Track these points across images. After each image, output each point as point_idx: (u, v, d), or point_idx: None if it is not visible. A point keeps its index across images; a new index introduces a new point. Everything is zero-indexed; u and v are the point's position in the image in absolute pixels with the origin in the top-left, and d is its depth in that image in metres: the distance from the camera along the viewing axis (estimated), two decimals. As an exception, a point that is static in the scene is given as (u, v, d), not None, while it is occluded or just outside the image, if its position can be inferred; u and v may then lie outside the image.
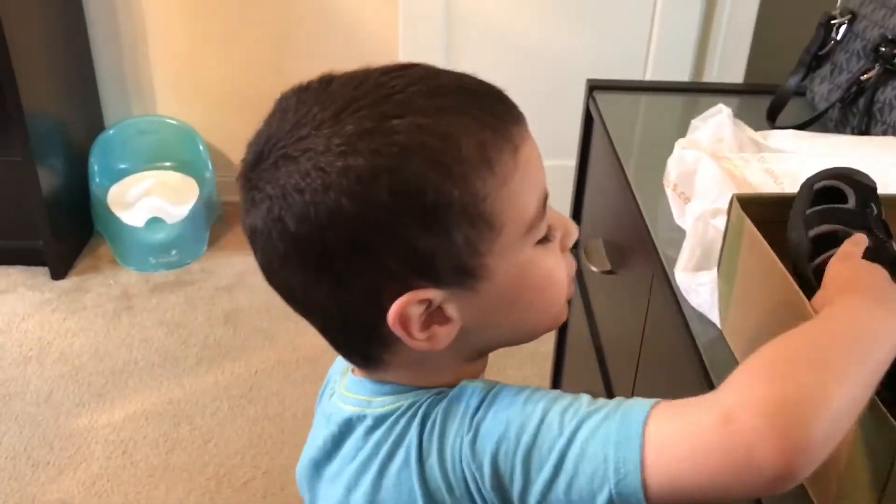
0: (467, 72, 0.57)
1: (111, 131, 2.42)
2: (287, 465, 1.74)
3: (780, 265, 0.69)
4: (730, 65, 2.25)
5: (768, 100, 1.24)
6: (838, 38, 1.20)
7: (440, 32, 2.12)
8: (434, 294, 0.53)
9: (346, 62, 2.33)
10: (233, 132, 2.50)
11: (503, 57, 2.17)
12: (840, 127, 1.17)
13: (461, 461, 0.53)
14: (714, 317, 0.80)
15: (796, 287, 0.66)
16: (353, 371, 0.63)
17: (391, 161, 0.51)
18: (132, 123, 2.45)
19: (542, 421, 0.51)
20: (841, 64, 1.19)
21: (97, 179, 2.36)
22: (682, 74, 2.25)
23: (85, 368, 1.98)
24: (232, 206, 2.50)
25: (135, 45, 2.40)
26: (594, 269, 1.16)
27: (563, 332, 1.54)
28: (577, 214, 1.41)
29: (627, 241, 1.11)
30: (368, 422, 0.59)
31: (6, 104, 2.02)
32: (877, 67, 1.10)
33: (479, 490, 0.52)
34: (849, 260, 0.63)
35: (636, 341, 1.03)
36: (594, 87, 1.32)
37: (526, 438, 0.51)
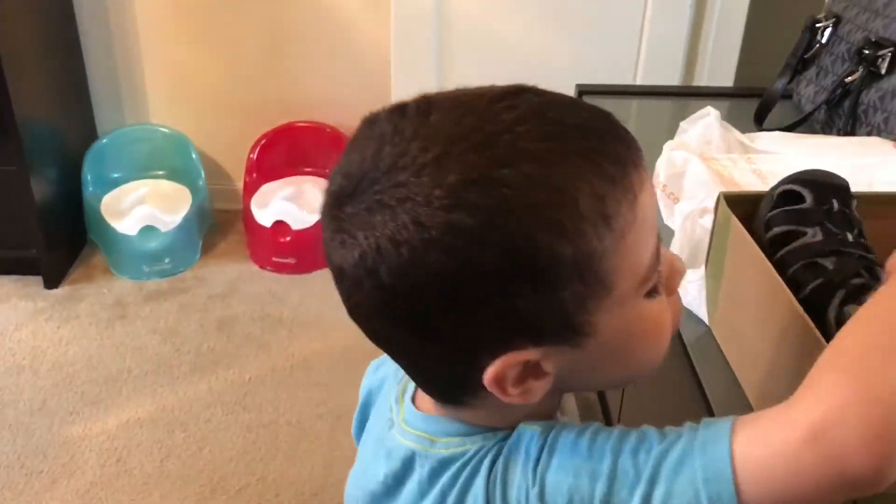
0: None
1: (104, 140, 2.43)
2: (281, 471, 1.74)
3: (767, 262, 0.70)
4: (719, 69, 2.26)
5: (757, 103, 1.26)
6: (823, 41, 1.22)
7: (432, 37, 2.13)
8: (534, 354, 0.50)
9: (338, 68, 2.36)
10: (225, 140, 2.54)
11: (494, 60, 2.18)
12: (826, 128, 1.19)
13: None
14: (702, 314, 0.81)
15: (783, 283, 0.68)
16: (413, 401, 0.60)
17: (500, 219, 0.47)
18: (125, 132, 2.46)
19: (614, 466, 0.49)
20: (826, 66, 1.20)
21: (90, 188, 2.36)
22: (672, 79, 2.26)
23: (79, 377, 1.98)
24: (224, 213, 2.51)
25: (127, 54, 2.41)
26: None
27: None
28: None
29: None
30: (433, 464, 0.56)
31: (-1, 113, 2.02)
32: (861, 70, 1.12)
33: None
34: None
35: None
36: (583, 91, 1.34)
37: (601, 488, 0.48)
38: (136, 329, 2.13)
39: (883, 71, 1.09)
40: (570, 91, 1.35)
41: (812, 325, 0.62)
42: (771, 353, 0.70)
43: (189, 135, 2.43)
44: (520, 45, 2.20)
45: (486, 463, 0.53)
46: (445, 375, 0.54)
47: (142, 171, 2.46)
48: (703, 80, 2.28)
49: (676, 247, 0.86)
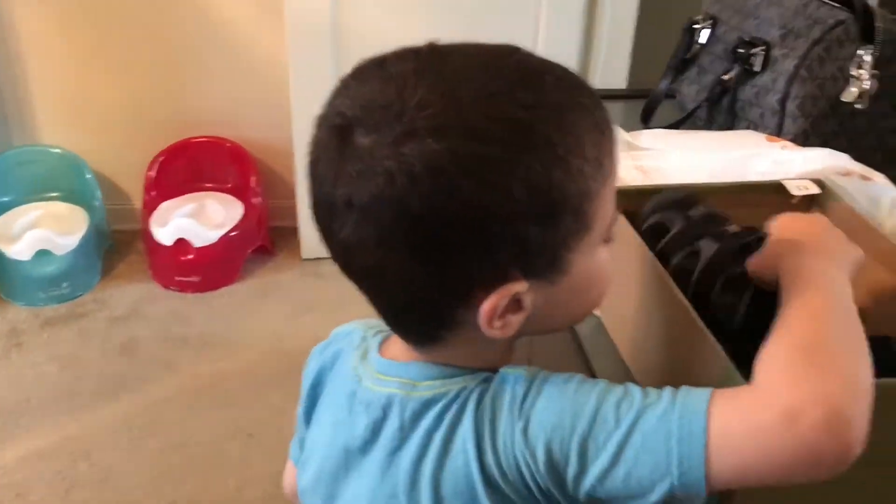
0: None
1: (-9, 163, 2.33)
2: (193, 492, 1.69)
3: (649, 251, 0.73)
4: (613, 72, 2.34)
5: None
6: (702, 42, 1.27)
7: (329, 48, 2.13)
8: (523, 286, 0.54)
9: (236, 83, 2.32)
10: (122, 158, 2.47)
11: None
12: (708, 125, 1.24)
13: (513, 448, 0.54)
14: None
15: (664, 271, 0.70)
16: (381, 352, 0.63)
17: (525, 155, 0.51)
18: (12, 154, 2.36)
19: (596, 411, 0.52)
20: (705, 66, 1.26)
21: (-22, 214, 2.26)
22: (568, 84, 2.32)
23: (-28, 411, 1.88)
24: (123, 234, 2.43)
25: (11, 74, 2.31)
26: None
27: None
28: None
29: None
30: (415, 406, 0.58)
31: None
32: (736, 68, 1.18)
33: (532, 475, 0.53)
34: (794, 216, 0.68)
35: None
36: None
37: (582, 427, 0.52)
38: (33, 358, 2.04)
39: (757, 68, 1.15)
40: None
41: (694, 312, 0.65)
42: (656, 339, 0.73)
43: (83, 154, 2.35)
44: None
45: (473, 401, 0.56)
46: (433, 308, 0.56)
47: (34, 193, 2.36)
48: (597, 82, 2.35)
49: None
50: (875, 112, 1.11)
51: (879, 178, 0.85)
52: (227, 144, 2.36)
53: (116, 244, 2.42)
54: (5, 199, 2.34)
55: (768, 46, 1.14)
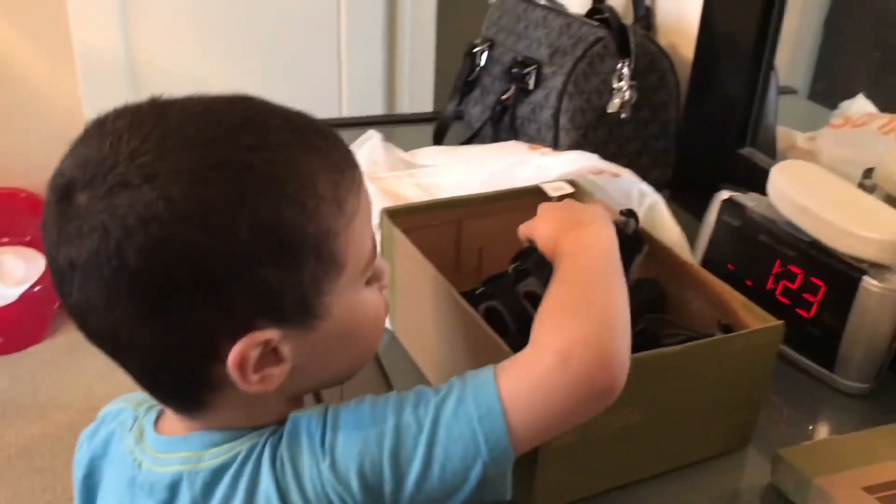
0: None
1: None
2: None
3: (430, 264, 0.77)
4: (419, 96, 2.41)
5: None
6: (482, 63, 1.34)
7: (124, 89, 2.07)
8: (274, 334, 0.53)
9: (28, 130, 2.22)
10: None
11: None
12: (494, 142, 1.31)
13: (324, 487, 0.53)
14: (386, 322, 0.86)
15: (445, 280, 0.74)
16: (157, 430, 0.60)
17: (250, 195, 0.50)
18: None
19: (397, 423, 0.53)
20: (487, 86, 1.33)
21: None
22: (377, 109, 2.37)
23: None
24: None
25: None
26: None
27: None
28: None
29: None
30: (205, 477, 0.55)
31: None
32: (513, 87, 1.25)
33: None
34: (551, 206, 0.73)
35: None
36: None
37: (388, 443, 0.53)
38: None
39: (531, 87, 1.22)
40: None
41: (473, 311, 0.70)
42: (445, 341, 0.77)
43: None
44: (217, 91, 2.20)
45: (267, 456, 0.55)
46: (185, 370, 0.54)
47: None
48: (405, 107, 2.41)
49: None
50: (638, 119, 1.21)
51: (626, 174, 0.94)
52: (22, 195, 2.23)
53: None
54: None
55: (539, 65, 1.22)
